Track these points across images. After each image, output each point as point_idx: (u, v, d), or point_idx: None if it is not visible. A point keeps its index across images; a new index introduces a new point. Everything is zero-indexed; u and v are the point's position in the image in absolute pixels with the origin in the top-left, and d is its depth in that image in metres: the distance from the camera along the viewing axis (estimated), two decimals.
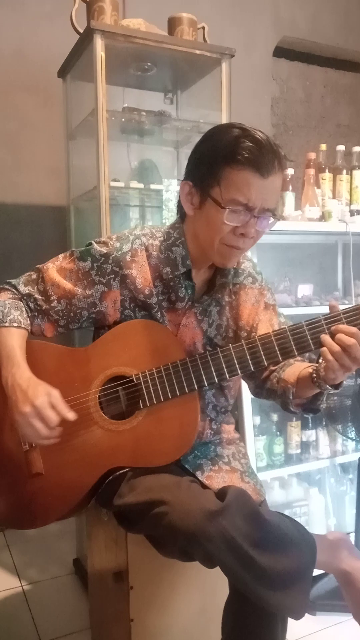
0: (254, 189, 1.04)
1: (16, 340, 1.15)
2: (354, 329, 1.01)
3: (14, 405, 1.07)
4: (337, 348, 1.00)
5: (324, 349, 1.02)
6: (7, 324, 1.15)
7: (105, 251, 1.18)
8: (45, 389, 1.07)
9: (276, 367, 1.24)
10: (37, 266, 1.24)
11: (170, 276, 1.18)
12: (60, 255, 1.24)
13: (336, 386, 1.08)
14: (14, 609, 1.77)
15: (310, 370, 1.09)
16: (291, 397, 1.15)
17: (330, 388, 1.09)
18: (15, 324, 1.16)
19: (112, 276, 1.18)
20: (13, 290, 1.22)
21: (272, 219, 1.10)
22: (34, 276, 1.23)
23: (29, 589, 1.88)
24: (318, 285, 2.24)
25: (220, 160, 1.05)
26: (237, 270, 1.26)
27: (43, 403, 1.05)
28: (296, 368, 1.17)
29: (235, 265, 1.25)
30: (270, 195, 1.06)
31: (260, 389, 1.28)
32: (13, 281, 1.23)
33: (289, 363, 1.22)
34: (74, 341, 1.95)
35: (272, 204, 1.08)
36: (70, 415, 1.08)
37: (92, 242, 1.21)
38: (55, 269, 1.21)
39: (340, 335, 1.01)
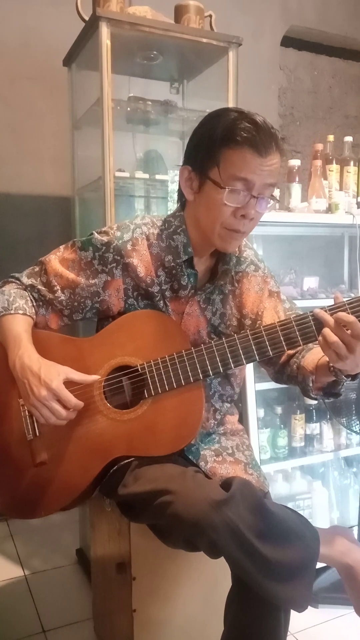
0: (253, 167, 1.04)
1: (22, 325, 1.16)
2: (352, 317, 1.00)
3: (28, 389, 1.08)
4: (334, 321, 1.01)
5: (326, 329, 1.01)
6: (12, 312, 1.16)
7: (106, 240, 1.18)
8: (57, 369, 1.09)
9: (295, 351, 1.23)
10: (40, 259, 1.24)
11: (173, 264, 1.18)
12: (61, 246, 1.24)
13: (353, 377, 1.08)
14: (17, 598, 1.78)
15: (328, 359, 1.08)
16: (311, 385, 1.15)
17: (345, 378, 1.09)
18: (20, 312, 1.17)
19: (114, 265, 1.18)
20: (17, 282, 1.23)
21: (271, 201, 1.11)
22: (37, 269, 1.24)
23: (32, 579, 1.89)
24: (324, 277, 2.23)
25: (219, 142, 1.05)
26: (240, 258, 1.26)
27: (59, 385, 1.07)
28: (315, 355, 1.16)
29: (237, 253, 1.25)
30: (268, 175, 1.06)
31: (280, 375, 1.28)
32: (17, 274, 1.24)
33: (308, 348, 1.21)
34: (78, 334, 1.95)
35: (270, 184, 1.08)
36: (92, 379, 1.11)
37: (94, 232, 1.21)
38: (57, 259, 1.21)
39: (340, 314, 1.01)
